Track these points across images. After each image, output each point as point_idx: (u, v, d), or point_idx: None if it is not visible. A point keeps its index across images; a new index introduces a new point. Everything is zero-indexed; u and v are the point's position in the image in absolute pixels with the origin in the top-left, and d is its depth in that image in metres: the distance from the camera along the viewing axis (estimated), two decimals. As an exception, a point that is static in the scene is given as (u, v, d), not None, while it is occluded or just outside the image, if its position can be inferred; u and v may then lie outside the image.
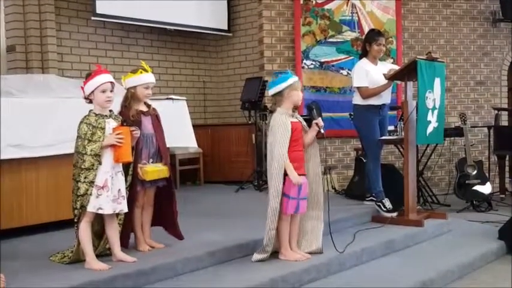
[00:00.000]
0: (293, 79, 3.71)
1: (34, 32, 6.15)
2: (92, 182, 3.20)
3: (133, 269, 3.20)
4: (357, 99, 5.24)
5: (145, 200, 3.66)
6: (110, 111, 3.38)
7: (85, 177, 3.20)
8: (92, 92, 3.29)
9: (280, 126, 3.60)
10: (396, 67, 5.35)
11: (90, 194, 3.20)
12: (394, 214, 4.96)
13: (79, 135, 3.22)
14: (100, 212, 3.25)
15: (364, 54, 5.37)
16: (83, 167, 3.20)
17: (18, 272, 3.16)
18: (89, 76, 3.33)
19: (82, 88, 3.33)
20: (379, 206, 5.06)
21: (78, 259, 3.33)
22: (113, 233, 3.36)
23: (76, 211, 3.23)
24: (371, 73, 5.18)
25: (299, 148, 3.69)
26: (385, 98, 5.25)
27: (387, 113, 5.40)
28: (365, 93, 5.16)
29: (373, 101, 5.17)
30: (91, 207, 3.22)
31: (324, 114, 6.14)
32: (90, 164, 3.20)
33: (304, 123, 3.79)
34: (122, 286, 3.10)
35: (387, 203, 5.03)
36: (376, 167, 5.17)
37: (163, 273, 3.32)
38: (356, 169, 6.26)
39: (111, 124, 3.31)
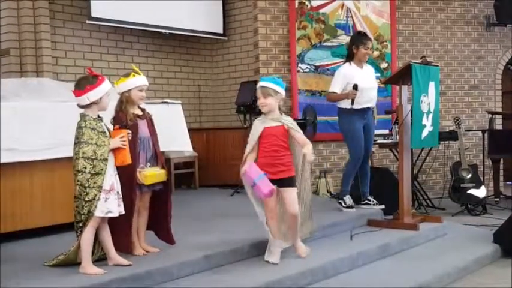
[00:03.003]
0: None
1: (28, 36, 6.13)
2: (100, 187, 3.19)
3: (128, 273, 3.19)
4: (341, 103, 5.17)
5: (140, 204, 3.65)
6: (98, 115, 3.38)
7: (94, 182, 3.18)
8: (100, 97, 3.28)
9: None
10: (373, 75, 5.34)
11: (98, 199, 3.19)
12: (353, 210, 5.08)
13: (84, 140, 3.17)
14: (109, 215, 3.25)
15: (350, 57, 5.22)
16: (92, 172, 3.17)
17: (13, 276, 3.15)
18: (94, 82, 3.25)
19: (84, 92, 3.22)
20: (340, 203, 5.16)
21: (73, 260, 3.31)
22: (107, 236, 3.35)
23: (83, 216, 3.19)
24: (356, 78, 5.07)
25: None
26: (368, 101, 5.15)
27: (371, 118, 5.27)
28: (329, 97, 5.17)
29: (357, 105, 5.06)
30: (99, 212, 3.20)
31: (319, 118, 6.19)
32: (100, 168, 3.19)
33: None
34: (117, 290, 3.09)
35: (348, 200, 5.12)
36: (353, 169, 5.18)
37: (158, 277, 3.31)
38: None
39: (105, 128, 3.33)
